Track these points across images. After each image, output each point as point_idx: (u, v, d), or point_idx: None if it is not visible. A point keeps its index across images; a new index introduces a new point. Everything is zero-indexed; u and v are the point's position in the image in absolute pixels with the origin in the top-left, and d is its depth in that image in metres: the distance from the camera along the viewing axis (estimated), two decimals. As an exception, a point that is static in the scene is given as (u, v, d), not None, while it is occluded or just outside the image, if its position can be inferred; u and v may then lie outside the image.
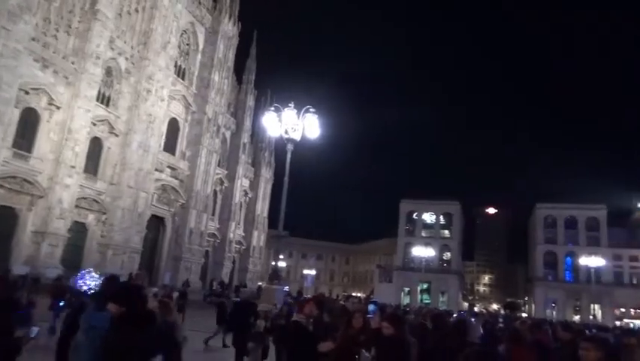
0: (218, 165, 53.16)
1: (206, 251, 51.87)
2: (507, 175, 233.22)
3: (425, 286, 74.66)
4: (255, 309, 11.65)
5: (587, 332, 18.20)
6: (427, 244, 70.51)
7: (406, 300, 68.20)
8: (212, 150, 50.24)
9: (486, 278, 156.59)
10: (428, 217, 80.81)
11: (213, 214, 53.39)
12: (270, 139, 59.98)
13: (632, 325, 49.01)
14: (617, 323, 54.96)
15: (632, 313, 65.78)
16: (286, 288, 22.16)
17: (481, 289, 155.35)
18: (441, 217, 79.76)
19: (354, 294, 64.86)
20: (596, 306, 66.29)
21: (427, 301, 69.05)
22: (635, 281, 69.57)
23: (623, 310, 66.87)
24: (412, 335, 5.69)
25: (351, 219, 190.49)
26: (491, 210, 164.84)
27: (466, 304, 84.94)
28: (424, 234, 79.16)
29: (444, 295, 73.61)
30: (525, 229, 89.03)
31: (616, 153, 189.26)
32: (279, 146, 26.25)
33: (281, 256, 57.93)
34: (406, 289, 74.35)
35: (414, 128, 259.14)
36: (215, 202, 53.70)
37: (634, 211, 74.23)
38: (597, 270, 61.14)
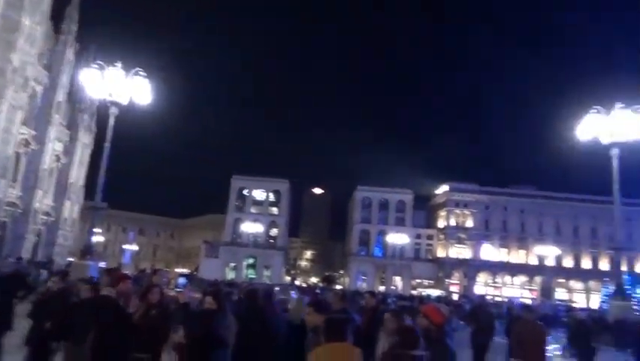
0: (25, 124, 46.01)
1: (4, 222, 44.90)
2: (333, 160, 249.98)
3: (251, 261, 76.29)
4: (23, 283, 9.93)
5: (388, 300, 20.66)
6: (255, 220, 71.95)
7: (231, 275, 68.82)
8: (16, 106, 43.18)
9: (308, 254, 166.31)
10: (258, 194, 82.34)
11: (15, 180, 46.26)
12: (92, 100, 53.96)
13: (424, 293, 57.23)
14: (413, 291, 63.79)
15: (426, 283, 76.95)
16: (102, 264, 20.40)
17: (304, 264, 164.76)
18: (270, 195, 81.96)
19: (177, 270, 62.96)
20: (398, 278, 75.74)
21: (252, 276, 70.69)
22: (429, 257, 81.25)
23: (419, 280, 77.78)
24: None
25: (180, 194, 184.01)
26: (318, 191, 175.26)
27: (288, 278, 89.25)
28: (253, 210, 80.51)
29: (268, 270, 76.20)
30: (346, 209, 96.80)
31: (423, 144, 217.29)
32: (103, 109, 23.75)
33: (98, 230, 53.04)
34: (232, 264, 75.02)
35: (248, 106, 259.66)
36: (17, 166, 46.54)
37: (433, 196, 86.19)
38: (401, 247, 69.95)
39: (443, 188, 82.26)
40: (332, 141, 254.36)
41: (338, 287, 68.89)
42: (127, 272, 27.31)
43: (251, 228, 67.95)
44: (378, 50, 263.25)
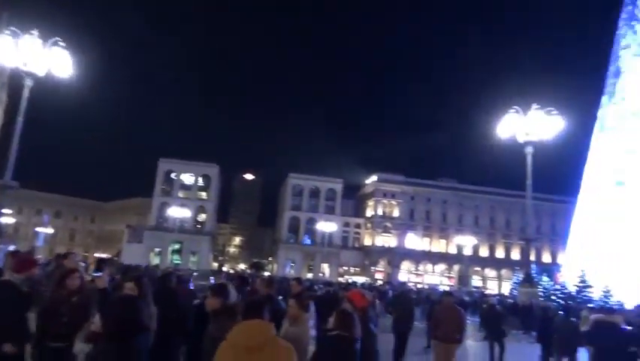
0: None
1: None
2: (265, 146, 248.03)
3: (177, 246, 74.23)
4: None
5: (315, 286, 20.95)
6: (183, 205, 69.90)
7: (155, 260, 66.58)
8: None
9: (237, 240, 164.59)
10: (187, 178, 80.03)
11: None
12: (3, 69, 49.49)
13: (350, 280, 58.63)
14: (340, 279, 65.14)
15: (352, 270, 78.88)
16: (12, 247, 18.93)
17: (232, 250, 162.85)
18: (200, 179, 79.97)
19: (96, 255, 59.92)
20: (326, 265, 77.04)
21: (177, 262, 68.79)
22: (356, 245, 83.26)
23: (345, 268, 79.58)
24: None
25: (103, 175, 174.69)
26: (249, 176, 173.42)
27: (216, 265, 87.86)
28: (180, 195, 78.17)
29: (195, 256, 74.58)
30: (276, 195, 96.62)
31: (357, 134, 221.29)
32: (16, 80, 21.92)
33: (8, 211, 49.14)
34: (157, 249, 72.63)
35: (180, 88, 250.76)
36: None
37: (362, 186, 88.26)
38: (330, 235, 71.07)
39: (372, 178, 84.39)
40: (266, 127, 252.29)
41: (266, 274, 68.94)
42: (39, 256, 25.51)
43: (178, 212, 65.92)
44: (314, 36, 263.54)
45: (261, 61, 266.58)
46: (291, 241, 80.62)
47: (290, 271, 72.65)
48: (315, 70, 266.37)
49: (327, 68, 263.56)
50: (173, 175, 79.03)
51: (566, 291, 31.88)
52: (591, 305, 20.96)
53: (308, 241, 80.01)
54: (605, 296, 29.98)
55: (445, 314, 9.20)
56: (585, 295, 30.76)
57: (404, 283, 36.44)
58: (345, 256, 79.59)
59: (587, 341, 7.57)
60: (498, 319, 12.68)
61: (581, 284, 31.53)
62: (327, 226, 67.01)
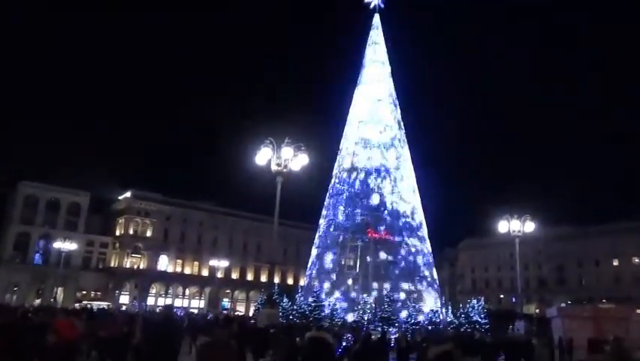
0: None
1: None
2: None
3: None
4: None
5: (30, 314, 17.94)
6: None
7: None
8: None
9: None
10: None
11: None
12: None
13: (89, 305, 52.42)
14: (77, 304, 57.74)
15: (93, 295, 70.99)
16: None
17: None
18: None
19: None
20: (60, 289, 67.47)
21: None
22: (100, 266, 75.70)
23: (85, 292, 71.17)
24: None
25: None
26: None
27: None
28: None
29: None
30: (2, 205, 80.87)
31: (110, 141, 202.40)
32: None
33: None
34: None
35: None
36: None
37: (114, 201, 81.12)
38: (68, 254, 62.79)
39: (126, 194, 78.64)
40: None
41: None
42: None
43: None
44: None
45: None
46: (17, 260, 68.33)
47: (12, 297, 61.57)
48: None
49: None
50: None
51: (300, 311, 35.05)
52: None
53: (39, 261, 69.10)
54: (332, 313, 34.12)
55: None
56: (317, 314, 34.38)
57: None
58: (87, 279, 71.47)
59: (302, 357, 8.30)
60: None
61: (313, 304, 35.14)
62: (65, 245, 59.03)
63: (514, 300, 77.51)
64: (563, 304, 49.93)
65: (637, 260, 77.38)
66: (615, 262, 79.88)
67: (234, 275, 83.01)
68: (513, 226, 25.46)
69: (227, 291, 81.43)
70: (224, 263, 68.90)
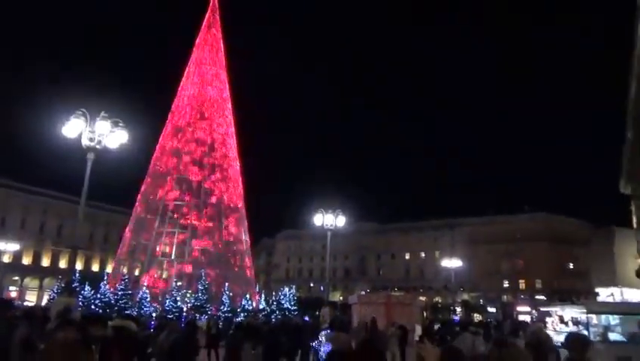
0: None
1: None
2: None
3: None
4: None
5: None
6: None
7: None
8: None
9: None
10: None
11: None
12: None
13: None
14: None
15: None
16: None
17: None
18: None
19: None
20: None
21: None
22: None
23: None
24: None
25: None
26: None
27: None
28: None
29: None
30: None
31: None
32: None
33: None
34: None
35: None
36: None
37: None
38: None
39: None
40: None
41: None
42: None
43: None
44: None
45: None
46: None
47: None
48: None
49: None
50: None
51: (105, 300, 32.30)
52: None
53: None
54: (141, 302, 32.25)
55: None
56: (124, 303, 32.08)
57: None
58: None
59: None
60: None
61: (121, 292, 32.72)
62: None
63: (322, 288, 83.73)
64: (363, 292, 55.73)
65: (423, 255, 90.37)
66: (407, 256, 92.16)
67: (26, 260, 72.52)
68: (327, 219, 27.23)
69: (16, 278, 70.70)
70: (13, 246, 59.50)
